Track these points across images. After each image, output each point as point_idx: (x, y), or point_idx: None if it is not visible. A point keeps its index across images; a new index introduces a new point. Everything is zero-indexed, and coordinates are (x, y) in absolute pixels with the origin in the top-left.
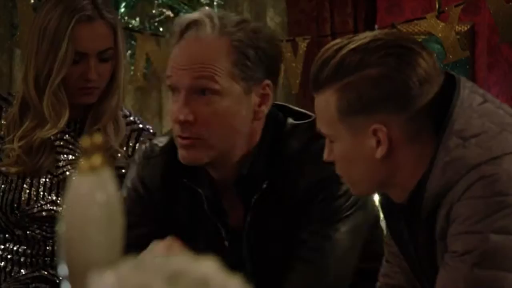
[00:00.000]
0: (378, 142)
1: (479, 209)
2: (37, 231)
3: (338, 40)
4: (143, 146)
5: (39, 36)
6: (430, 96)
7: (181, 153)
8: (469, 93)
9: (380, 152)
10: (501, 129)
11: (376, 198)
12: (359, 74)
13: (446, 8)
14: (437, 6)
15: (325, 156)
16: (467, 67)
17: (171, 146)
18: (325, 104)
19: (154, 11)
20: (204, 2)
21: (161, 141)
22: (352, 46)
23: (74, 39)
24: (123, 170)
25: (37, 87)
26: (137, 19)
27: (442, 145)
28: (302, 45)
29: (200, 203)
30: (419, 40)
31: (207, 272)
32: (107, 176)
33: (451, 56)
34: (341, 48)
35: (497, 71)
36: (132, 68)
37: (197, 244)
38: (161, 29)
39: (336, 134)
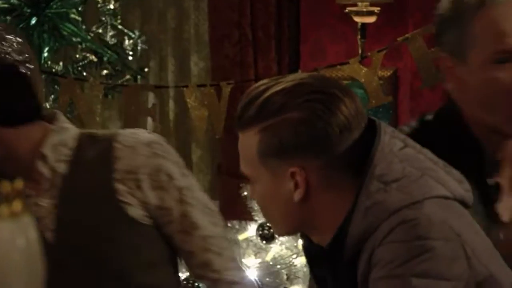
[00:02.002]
0: (296, 185)
1: (400, 253)
2: None
3: (265, 81)
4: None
5: None
6: (349, 143)
7: None
8: (389, 138)
9: (297, 195)
10: (422, 173)
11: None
12: (281, 117)
13: (369, 54)
14: (360, 51)
15: (250, 195)
16: (390, 112)
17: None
18: (247, 144)
19: (77, 56)
20: (128, 46)
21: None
22: (277, 88)
23: None
24: None
25: None
26: (61, 63)
27: (363, 190)
28: (226, 90)
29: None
30: None
31: None
32: (28, 222)
33: (374, 101)
34: (267, 89)
35: (420, 116)
36: None
37: None
38: (84, 73)
39: (256, 175)
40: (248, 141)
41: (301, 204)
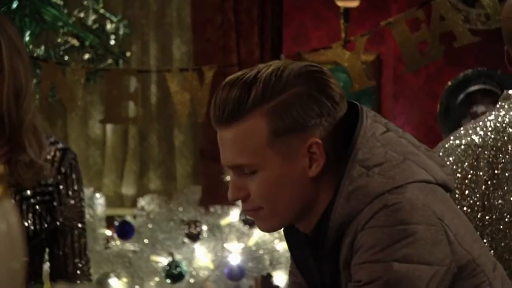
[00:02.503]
0: (311, 161)
1: (383, 238)
2: None
3: (240, 73)
4: None
5: None
6: (342, 114)
7: None
8: (372, 123)
9: (315, 169)
10: (404, 158)
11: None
12: (287, 94)
13: (352, 38)
14: (343, 35)
15: (234, 195)
16: (373, 96)
17: None
18: (251, 131)
19: (59, 40)
20: (110, 31)
21: None
22: (268, 70)
23: None
24: (50, 188)
25: None
26: (42, 47)
27: (346, 174)
28: (209, 74)
29: None
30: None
31: None
32: (9, 206)
33: (357, 85)
34: (257, 74)
35: (403, 100)
36: (37, 96)
37: None
38: (66, 58)
39: (262, 161)
40: (252, 128)
41: (313, 182)
